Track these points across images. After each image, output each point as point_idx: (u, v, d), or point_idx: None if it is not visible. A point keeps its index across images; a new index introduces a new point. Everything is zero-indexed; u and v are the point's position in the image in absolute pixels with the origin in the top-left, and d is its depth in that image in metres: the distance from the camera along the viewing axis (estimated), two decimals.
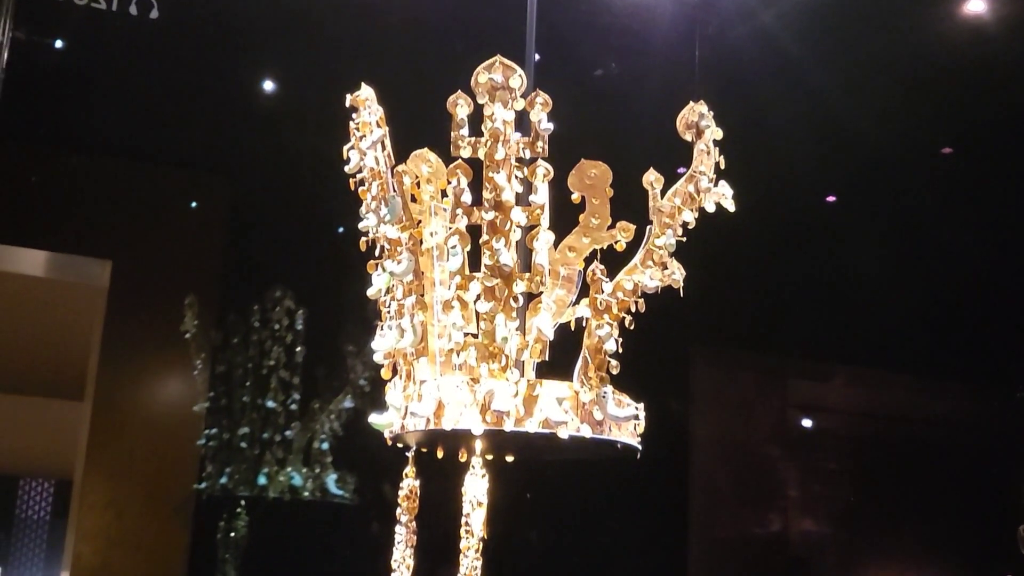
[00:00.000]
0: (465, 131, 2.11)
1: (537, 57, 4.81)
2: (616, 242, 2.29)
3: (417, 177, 2.29)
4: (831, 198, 6.25)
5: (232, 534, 5.58)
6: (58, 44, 5.47)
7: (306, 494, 5.52)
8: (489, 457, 2.32)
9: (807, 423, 7.56)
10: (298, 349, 5.70)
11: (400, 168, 2.31)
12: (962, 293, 6.60)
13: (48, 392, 8.65)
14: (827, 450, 7.52)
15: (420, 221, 2.27)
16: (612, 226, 2.32)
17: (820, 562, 7.47)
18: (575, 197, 2.31)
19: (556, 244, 2.27)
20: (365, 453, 2.18)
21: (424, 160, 2.28)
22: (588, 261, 2.28)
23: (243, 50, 5.69)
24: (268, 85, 5.85)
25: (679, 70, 4.37)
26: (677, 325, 5.92)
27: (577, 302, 2.31)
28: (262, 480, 5.48)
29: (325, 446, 5.64)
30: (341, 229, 5.30)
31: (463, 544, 2.02)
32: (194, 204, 6.53)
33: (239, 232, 6.31)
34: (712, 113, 2.26)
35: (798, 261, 6.36)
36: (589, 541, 6.12)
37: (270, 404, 5.61)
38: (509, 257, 2.04)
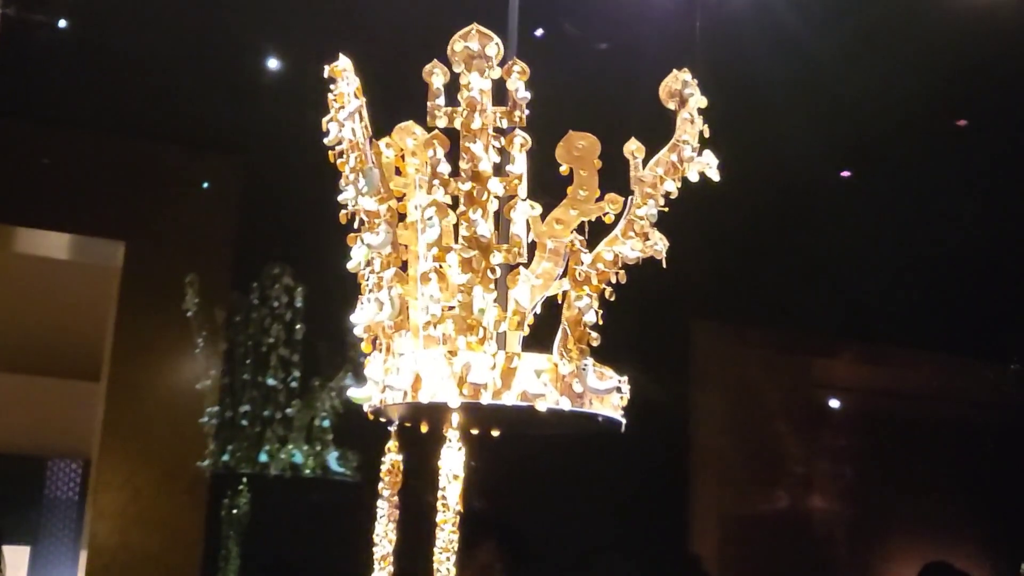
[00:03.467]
0: (441, 100, 2.09)
1: (540, 32, 4.80)
2: (604, 214, 2.26)
3: (402, 150, 2.27)
4: (846, 173, 6.20)
5: (235, 511, 5.63)
6: (62, 24, 5.46)
7: (307, 471, 5.55)
8: (475, 432, 2.31)
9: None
10: (297, 327, 5.72)
11: (385, 140, 2.29)
12: (979, 268, 6.55)
13: (68, 373, 8.72)
14: (836, 427, 7.50)
15: (405, 194, 2.25)
16: (600, 198, 2.29)
17: (832, 541, 7.45)
18: (563, 169, 2.28)
19: (544, 216, 2.25)
20: (366, 430, 2.17)
21: (409, 132, 2.26)
22: (577, 233, 2.26)
23: (251, 30, 5.67)
24: (274, 64, 5.83)
25: (678, 39, 4.32)
26: (679, 297, 5.92)
27: (565, 275, 2.28)
28: (263, 458, 5.51)
29: (326, 423, 5.66)
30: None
31: (439, 518, 2.00)
32: (206, 184, 6.54)
33: (249, 211, 6.31)
34: (696, 81, 2.23)
35: (808, 235, 6.30)
36: (585, 518, 6.13)
37: (271, 382, 5.63)
38: (486, 228, 2.02)
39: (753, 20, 4.44)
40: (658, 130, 2.27)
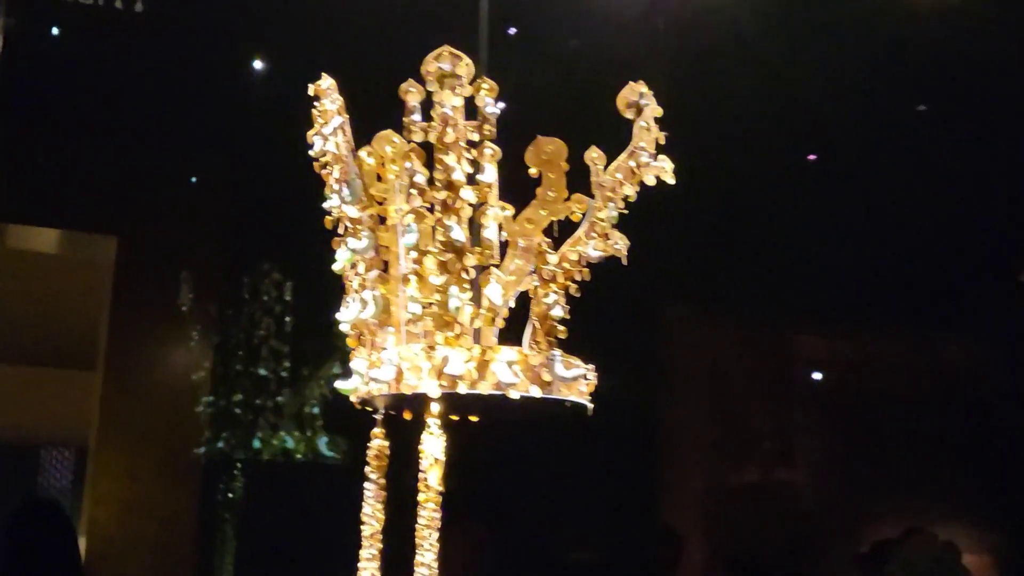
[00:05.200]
0: (417, 116, 2.27)
1: (514, 31, 4.96)
2: (572, 213, 2.45)
3: (382, 157, 2.45)
4: (812, 156, 6.38)
5: (230, 495, 5.83)
6: (55, 31, 5.61)
7: (299, 456, 5.77)
8: (454, 418, 2.50)
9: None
10: (287, 319, 5.93)
11: (366, 149, 2.48)
12: (943, 247, 6.74)
13: (63, 363, 8.88)
14: (808, 404, 7.68)
15: (385, 199, 2.42)
16: (568, 199, 2.48)
17: (807, 515, 7.63)
18: (532, 172, 2.47)
19: (515, 217, 2.44)
20: (354, 417, 2.34)
21: (388, 141, 2.43)
22: (546, 233, 2.46)
23: (239, 30, 5.81)
24: (259, 66, 5.99)
25: (640, 45, 4.49)
26: (650, 282, 6.08)
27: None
28: (256, 444, 5.72)
29: (316, 410, 5.88)
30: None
31: (421, 497, 2.19)
32: (194, 180, 6.71)
33: (239, 207, 6.48)
34: (652, 92, 2.41)
35: (775, 218, 6.47)
36: (558, 497, 6.31)
37: (262, 372, 5.84)
38: (460, 233, 2.21)
39: (714, 20, 4.61)
40: (627, 130, 2.45)
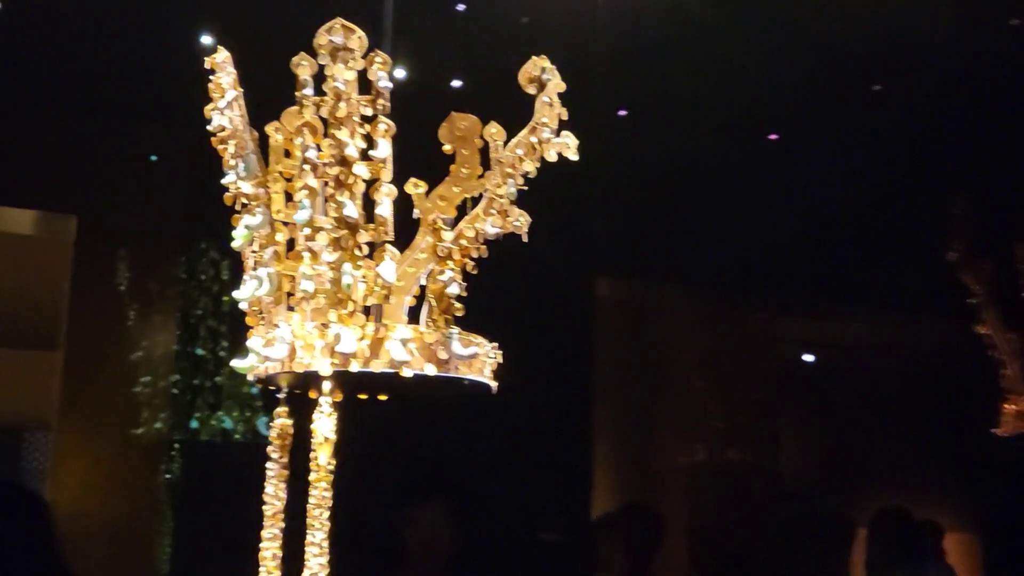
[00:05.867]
0: (310, 91, 2.24)
1: (462, 7, 4.92)
2: (485, 190, 2.42)
3: (291, 133, 2.42)
4: (774, 136, 6.37)
5: (167, 476, 5.84)
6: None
7: (237, 437, 5.77)
8: (363, 397, 2.49)
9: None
10: (224, 299, 5.91)
11: (275, 125, 2.45)
12: (896, 224, 6.75)
13: (32, 345, 8.84)
14: (751, 381, 7.69)
15: (293, 175, 2.39)
16: (482, 176, 2.45)
17: (749, 493, 7.66)
18: (447, 148, 2.45)
19: (428, 193, 2.41)
20: (292, 397, 2.33)
21: (296, 116, 2.40)
22: (460, 209, 2.43)
23: (197, 8, 5.77)
24: (208, 40, 5.94)
25: (581, 15, 4.47)
26: (582, 256, 6.07)
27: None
28: (194, 424, 5.72)
29: (255, 390, 5.87)
30: None
31: (312, 476, 2.18)
32: (154, 158, 6.66)
33: (194, 185, 6.44)
34: (555, 67, 2.39)
35: (716, 191, 6.46)
36: (514, 475, 6.32)
37: (199, 352, 5.84)
38: (353, 209, 2.18)
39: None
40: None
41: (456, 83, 5.38)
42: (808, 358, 8.54)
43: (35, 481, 10.59)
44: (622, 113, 6.04)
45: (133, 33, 5.77)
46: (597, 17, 4.54)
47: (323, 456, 2.16)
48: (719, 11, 4.84)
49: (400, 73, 2.06)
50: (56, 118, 6.45)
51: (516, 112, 2.43)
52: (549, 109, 2.35)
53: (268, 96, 2.48)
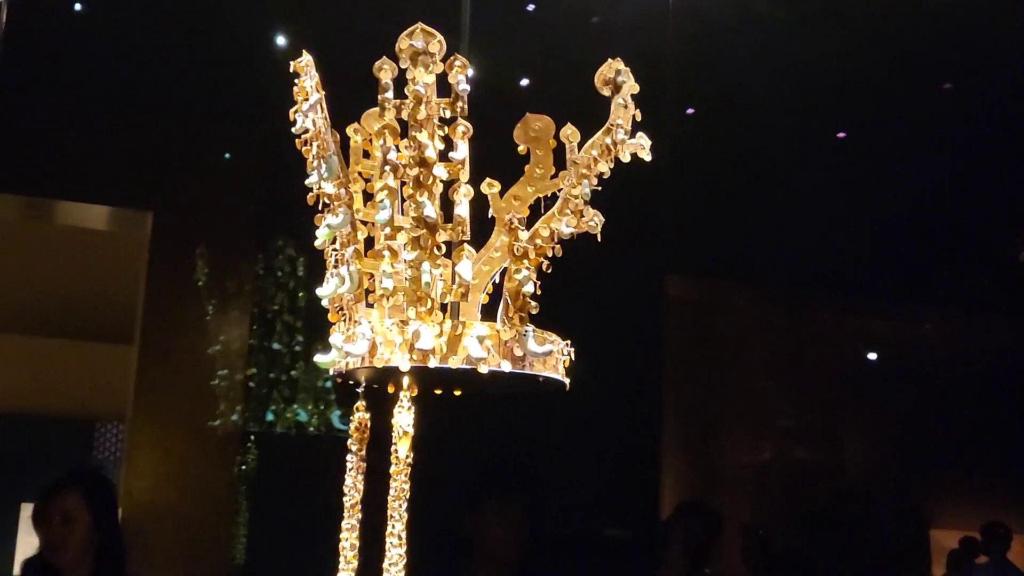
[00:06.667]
0: (391, 94, 2.29)
1: (532, 7, 4.97)
2: (559, 190, 2.47)
3: (370, 134, 2.49)
4: (842, 134, 6.32)
5: (243, 468, 5.95)
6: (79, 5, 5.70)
7: (311, 429, 5.87)
8: (438, 392, 2.54)
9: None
10: (300, 295, 6.02)
11: (354, 126, 2.52)
12: (967, 224, 6.68)
13: (107, 338, 9.04)
14: (818, 380, 7.64)
15: (372, 175, 2.46)
16: (555, 176, 2.50)
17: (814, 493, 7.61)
18: (521, 149, 2.50)
19: (502, 194, 2.46)
20: (370, 392, 2.41)
21: (376, 118, 2.46)
22: (532, 209, 2.48)
23: (269, 5, 5.88)
24: (282, 41, 6.04)
25: (648, 19, 4.49)
26: (653, 254, 6.09)
27: None
28: (270, 416, 5.84)
29: (328, 384, 5.98)
30: None
31: (392, 469, 2.23)
32: (228, 156, 6.79)
33: (267, 182, 6.55)
34: (630, 69, 2.42)
35: (789, 190, 6.44)
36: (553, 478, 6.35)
37: (276, 346, 5.94)
38: (432, 209, 2.23)
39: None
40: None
41: (525, 81, 5.44)
42: (873, 356, 8.46)
43: (106, 470, 10.83)
44: (690, 111, 6.06)
45: (209, 34, 5.90)
46: (667, 16, 4.56)
47: (402, 449, 2.22)
48: (788, 10, 4.83)
49: (470, 72, 2.11)
50: (133, 117, 6.62)
51: (585, 110, 2.48)
52: (624, 111, 2.39)
53: (343, 97, 2.55)
